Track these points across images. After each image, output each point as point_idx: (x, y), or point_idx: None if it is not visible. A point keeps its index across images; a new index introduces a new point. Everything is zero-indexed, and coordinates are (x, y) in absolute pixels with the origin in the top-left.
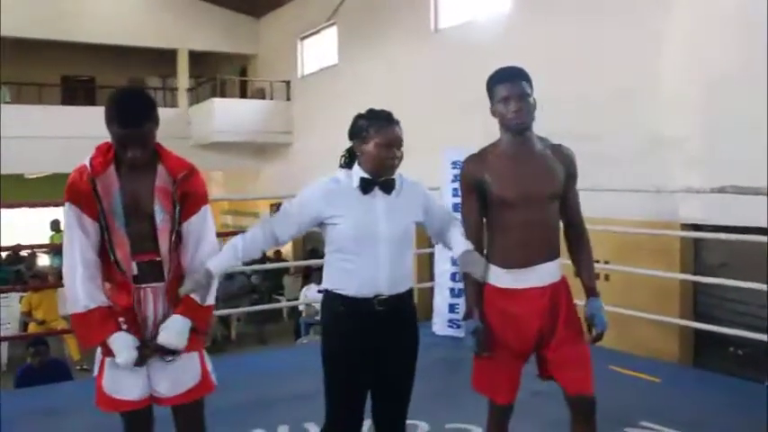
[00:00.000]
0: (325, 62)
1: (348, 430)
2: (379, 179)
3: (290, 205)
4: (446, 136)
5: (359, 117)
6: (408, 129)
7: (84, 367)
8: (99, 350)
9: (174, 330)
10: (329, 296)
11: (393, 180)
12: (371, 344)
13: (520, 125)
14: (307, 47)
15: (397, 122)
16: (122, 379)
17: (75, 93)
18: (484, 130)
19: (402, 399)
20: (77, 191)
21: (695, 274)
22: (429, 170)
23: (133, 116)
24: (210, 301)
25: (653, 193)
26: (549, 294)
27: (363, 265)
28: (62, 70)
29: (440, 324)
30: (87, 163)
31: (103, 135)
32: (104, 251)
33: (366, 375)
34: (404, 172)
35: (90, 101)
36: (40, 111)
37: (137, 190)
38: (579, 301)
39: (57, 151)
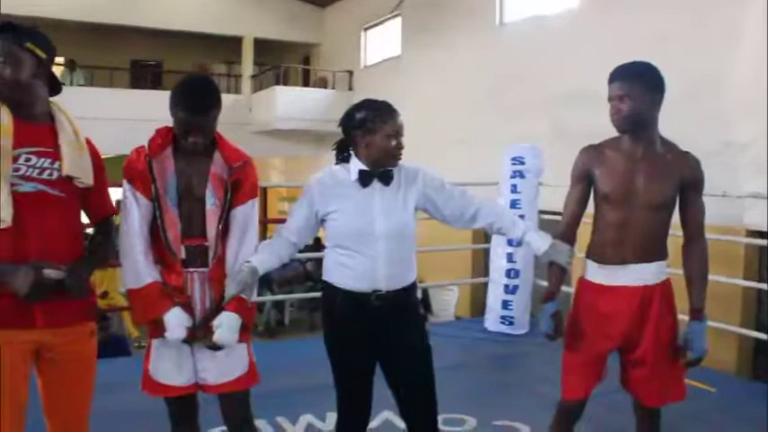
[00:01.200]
0: (388, 53)
1: (353, 421)
2: (378, 171)
3: (296, 210)
4: (508, 131)
5: (357, 108)
6: (469, 123)
7: (143, 344)
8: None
9: (227, 327)
10: (328, 289)
11: (391, 171)
12: (372, 338)
13: (616, 126)
14: (370, 37)
15: (398, 113)
16: (169, 364)
17: (143, 77)
18: (549, 128)
19: (421, 394)
20: (134, 169)
21: (759, 282)
22: (489, 164)
23: (199, 104)
24: (254, 297)
25: (719, 197)
26: (640, 295)
27: (361, 261)
28: (132, 55)
29: (492, 320)
30: (146, 145)
31: (168, 119)
32: (155, 232)
33: (367, 368)
34: (464, 165)
35: (157, 85)
36: (110, 94)
37: (191, 174)
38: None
39: (123, 133)
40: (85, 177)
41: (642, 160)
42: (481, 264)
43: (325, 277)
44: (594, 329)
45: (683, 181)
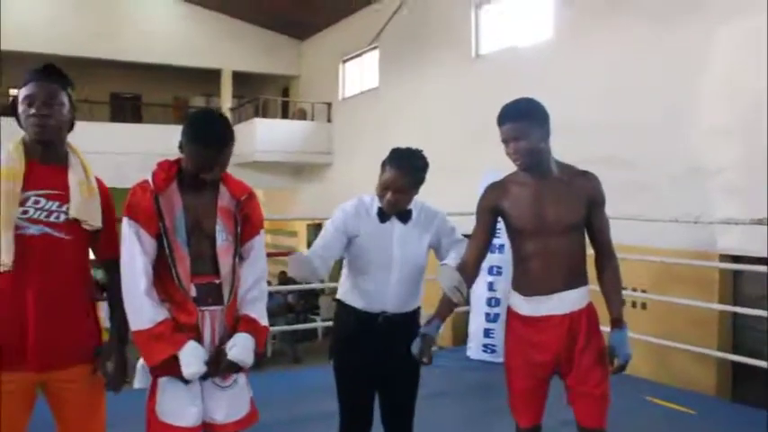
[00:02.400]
0: (367, 85)
1: (354, 429)
2: (383, 207)
3: (325, 230)
4: (487, 162)
5: (391, 150)
6: (448, 153)
7: (127, 380)
8: (145, 371)
9: (242, 347)
10: (340, 306)
11: (409, 211)
12: (375, 353)
13: (520, 166)
14: (348, 69)
15: (405, 169)
16: (177, 403)
17: (123, 110)
18: None
19: (406, 408)
20: (138, 207)
21: (734, 305)
22: (469, 194)
23: (217, 137)
24: (266, 321)
25: (691, 223)
26: (567, 322)
27: (374, 285)
28: (111, 88)
29: (474, 348)
30: (150, 179)
31: (149, 151)
32: (163, 270)
33: (370, 381)
34: (446, 195)
35: (136, 118)
36: (90, 127)
37: (199, 209)
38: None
39: (105, 166)
40: (93, 220)
41: (546, 188)
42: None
43: (339, 296)
44: (527, 359)
45: (589, 201)
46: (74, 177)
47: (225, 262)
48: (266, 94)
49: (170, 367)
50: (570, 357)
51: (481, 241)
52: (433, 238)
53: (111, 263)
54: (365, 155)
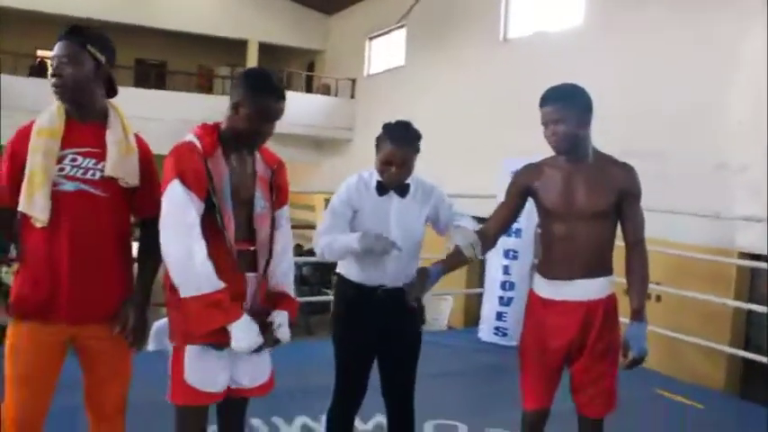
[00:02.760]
0: (392, 63)
1: (347, 400)
2: (385, 182)
3: (332, 208)
4: (510, 145)
5: (384, 126)
6: (470, 136)
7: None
8: (161, 334)
9: (286, 327)
10: (341, 280)
11: (407, 185)
12: (374, 326)
13: (556, 149)
14: (375, 47)
15: (403, 142)
16: (209, 371)
17: (147, 76)
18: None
19: (406, 376)
20: (188, 168)
21: (749, 303)
22: (489, 177)
23: (282, 90)
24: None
25: (711, 218)
26: (584, 310)
27: (372, 258)
28: (136, 53)
29: (486, 331)
30: (196, 142)
31: (172, 117)
32: (210, 235)
33: (369, 351)
34: (467, 177)
35: (160, 84)
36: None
37: (241, 175)
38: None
39: None
40: (130, 177)
41: (579, 174)
42: (476, 275)
43: (338, 269)
44: (542, 342)
45: (620, 191)
46: (111, 136)
47: (262, 229)
48: (291, 67)
49: (213, 336)
50: (582, 346)
51: (505, 215)
52: (431, 211)
53: (149, 221)
54: None
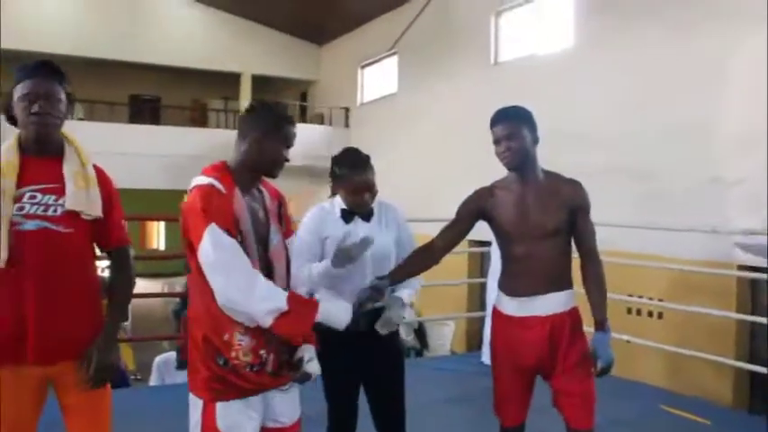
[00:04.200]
0: (385, 91)
1: (342, 422)
2: (357, 210)
3: (302, 240)
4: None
5: (335, 160)
6: (466, 159)
7: (138, 377)
8: (163, 368)
9: (315, 360)
10: None
11: (371, 208)
12: (356, 349)
13: (507, 165)
14: (367, 75)
15: (363, 168)
16: (242, 414)
17: (142, 111)
18: (544, 165)
19: (395, 398)
20: (217, 211)
21: (752, 314)
22: None
23: (293, 122)
24: None
25: (709, 233)
26: (549, 324)
27: (351, 284)
28: (130, 90)
29: (488, 354)
30: (216, 183)
31: (167, 153)
32: None
33: (353, 375)
34: (457, 201)
35: (155, 120)
36: (109, 128)
37: (256, 212)
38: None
39: (123, 167)
40: (91, 210)
41: (530, 194)
42: (477, 298)
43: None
44: (511, 359)
45: (572, 207)
46: (68, 168)
47: (279, 264)
48: (285, 98)
49: (231, 391)
50: (554, 359)
51: (453, 237)
52: (396, 229)
53: (117, 253)
54: (382, 160)
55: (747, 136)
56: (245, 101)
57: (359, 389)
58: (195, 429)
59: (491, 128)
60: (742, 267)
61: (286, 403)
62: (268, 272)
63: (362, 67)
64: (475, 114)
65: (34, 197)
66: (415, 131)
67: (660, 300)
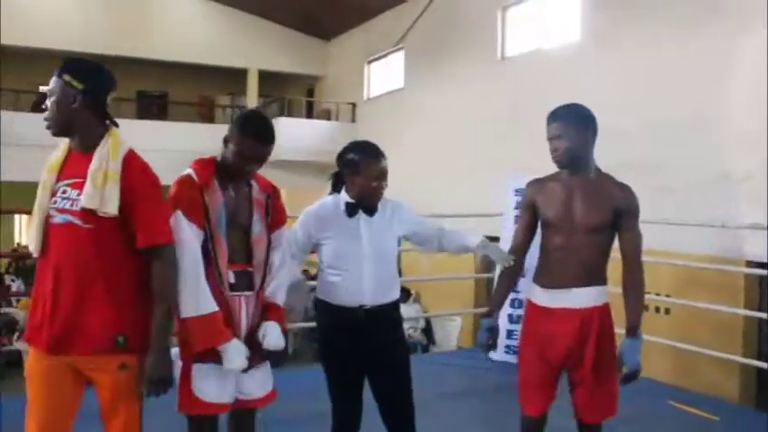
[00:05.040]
0: (392, 86)
1: (345, 422)
2: (363, 204)
3: (293, 232)
4: (511, 163)
5: (348, 149)
6: (472, 154)
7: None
8: (176, 355)
9: (275, 335)
10: (320, 304)
11: (375, 205)
12: (359, 347)
13: (558, 163)
14: (374, 70)
15: (384, 156)
16: (214, 384)
17: (149, 107)
18: (549, 157)
19: (400, 402)
20: (186, 199)
21: (759, 311)
22: (493, 196)
23: (269, 134)
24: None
25: (718, 228)
26: (580, 317)
27: (349, 279)
28: (137, 86)
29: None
30: (193, 175)
31: (174, 148)
32: (206, 260)
33: (357, 373)
34: (469, 196)
35: (162, 115)
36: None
37: (237, 203)
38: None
39: None
40: (106, 207)
41: (579, 189)
42: (484, 293)
43: (318, 295)
44: (540, 350)
45: (618, 208)
46: (93, 164)
47: (258, 251)
48: (291, 93)
49: (210, 355)
50: (581, 352)
51: (525, 233)
52: (405, 230)
53: (151, 252)
54: (389, 155)
55: (755, 131)
56: (252, 96)
57: (363, 386)
58: (177, 392)
59: (547, 125)
60: (750, 263)
61: (258, 378)
62: (247, 260)
63: (369, 62)
64: (481, 109)
65: (65, 191)
66: (422, 126)
67: (668, 296)
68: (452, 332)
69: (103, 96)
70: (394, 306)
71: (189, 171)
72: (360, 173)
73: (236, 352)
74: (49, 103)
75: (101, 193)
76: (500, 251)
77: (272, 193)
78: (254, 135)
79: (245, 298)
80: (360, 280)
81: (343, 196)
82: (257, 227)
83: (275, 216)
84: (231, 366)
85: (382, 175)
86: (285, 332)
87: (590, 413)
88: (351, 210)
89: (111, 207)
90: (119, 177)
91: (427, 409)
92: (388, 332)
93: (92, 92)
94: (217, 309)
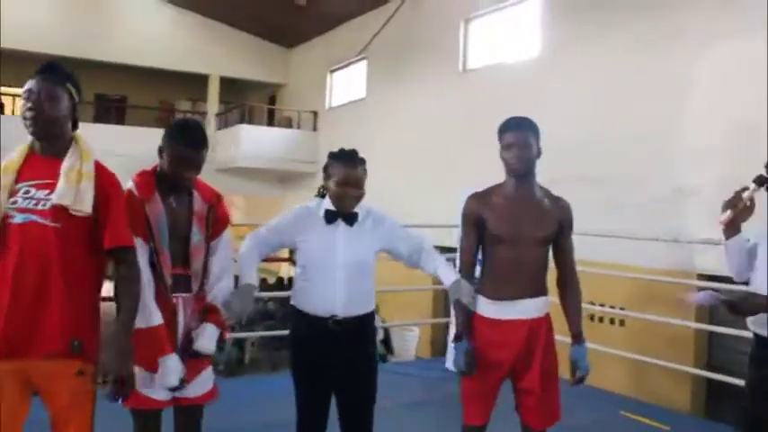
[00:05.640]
0: (354, 95)
1: (308, 428)
2: (343, 212)
3: (269, 226)
4: (471, 174)
5: (329, 155)
6: (433, 166)
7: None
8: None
9: (208, 337)
10: (293, 311)
11: (356, 213)
12: (328, 358)
13: (519, 170)
14: (336, 79)
15: (356, 163)
16: (154, 382)
17: (107, 111)
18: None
19: (363, 410)
20: (129, 214)
21: (710, 324)
22: (452, 207)
23: (197, 139)
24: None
25: (670, 242)
26: (527, 327)
27: (321, 286)
28: (96, 89)
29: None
30: (134, 189)
31: (132, 153)
32: (151, 268)
33: (325, 384)
34: (429, 207)
35: (120, 120)
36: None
37: (178, 214)
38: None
39: None
40: (80, 205)
41: (524, 202)
42: (441, 304)
43: (292, 301)
44: (486, 360)
45: (559, 221)
46: (65, 165)
47: (196, 259)
48: (253, 100)
49: (149, 362)
50: (528, 360)
51: (473, 247)
52: (385, 244)
53: (117, 252)
54: None
55: (707, 146)
56: (212, 103)
57: (330, 396)
58: None
59: (503, 132)
60: (702, 276)
61: (192, 382)
62: (186, 265)
63: (332, 71)
64: (443, 121)
65: (28, 192)
66: (384, 137)
67: (621, 308)
68: (411, 342)
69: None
70: (367, 319)
71: (129, 185)
72: (330, 177)
73: (172, 368)
74: (46, 106)
75: (74, 190)
76: (467, 296)
77: (214, 202)
78: (184, 141)
79: (183, 299)
80: (333, 289)
81: (326, 202)
82: (196, 237)
83: (216, 224)
84: (165, 381)
85: (350, 180)
86: (223, 336)
87: (540, 421)
88: (329, 216)
89: (86, 205)
90: (93, 178)
91: (385, 419)
92: (359, 345)
93: (78, 102)
94: (162, 322)
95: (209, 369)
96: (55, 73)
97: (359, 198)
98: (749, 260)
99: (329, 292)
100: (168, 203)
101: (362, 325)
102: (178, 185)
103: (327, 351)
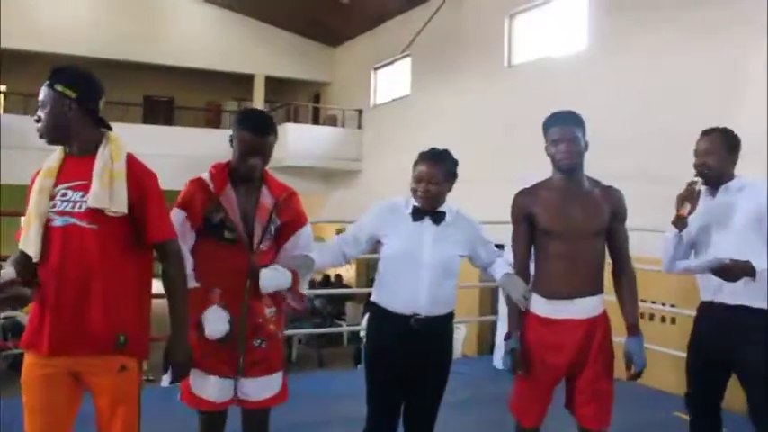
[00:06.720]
0: (398, 93)
1: (378, 427)
2: (430, 210)
3: (355, 225)
4: (517, 171)
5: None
6: (478, 162)
7: (151, 378)
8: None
9: (270, 275)
10: (374, 307)
11: (443, 213)
12: (406, 356)
13: (567, 165)
14: (380, 77)
15: (434, 160)
16: (209, 386)
17: (156, 112)
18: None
19: (430, 411)
20: (192, 201)
21: None
22: (500, 204)
23: (263, 126)
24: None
25: None
26: (585, 327)
27: (405, 285)
28: (144, 90)
29: (500, 358)
30: (208, 181)
31: (180, 154)
32: (216, 256)
33: (400, 382)
34: (472, 203)
35: (169, 120)
36: (122, 128)
37: (246, 205)
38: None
39: None
40: (115, 206)
41: (574, 194)
42: (488, 302)
43: (373, 298)
44: (542, 360)
45: (612, 211)
46: (97, 166)
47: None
48: (298, 99)
49: (204, 362)
50: (584, 361)
51: (526, 244)
52: (467, 246)
53: (162, 248)
54: (394, 163)
55: (761, 143)
56: (258, 102)
57: (401, 395)
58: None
59: (549, 128)
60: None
61: (255, 385)
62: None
63: (376, 69)
64: (488, 117)
65: (65, 194)
66: (428, 134)
67: (673, 305)
68: (457, 340)
69: (95, 102)
70: (446, 319)
71: (204, 174)
72: (413, 173)
73: (213, 317)
74: (42, 114)
75: (108, 192)
76: (518, 291)
77: (285, 197)
78: (250, 128)
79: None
80: (416, 288)
81: (413, 200)
82: (258, 228)
83: (288, 219)
84: (211, 333)
85: (424, 177)
86: (295, 288)
87: (596, 421)
88: (417, 214)
89: (121, 205)
90: (125, 177)
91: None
92: (436, 348)
93: (85, 99)
94: (197, 285)
95: (279, 373)
96: (50, 77)
97: (433, 197)
98: (687, 251)
99: (413, 290)
100: (239, 195)
101: (442, 324)
102: (247, 175)
103: (407, 349)
